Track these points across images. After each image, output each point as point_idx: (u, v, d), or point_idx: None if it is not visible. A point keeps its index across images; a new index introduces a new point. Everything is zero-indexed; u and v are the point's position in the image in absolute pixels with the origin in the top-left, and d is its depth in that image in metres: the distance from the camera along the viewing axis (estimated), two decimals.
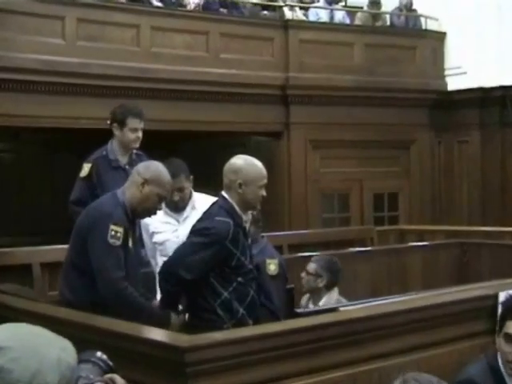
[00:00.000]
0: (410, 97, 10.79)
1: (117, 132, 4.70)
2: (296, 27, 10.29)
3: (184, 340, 2.90)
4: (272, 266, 4.45)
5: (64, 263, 3.90)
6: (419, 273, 7.34)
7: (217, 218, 3.70)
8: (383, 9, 11.62)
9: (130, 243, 3.75)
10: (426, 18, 11.36)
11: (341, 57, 10.50)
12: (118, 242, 3.63)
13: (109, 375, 1.66)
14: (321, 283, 5.06)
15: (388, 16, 11.57)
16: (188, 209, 4.61)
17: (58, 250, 5.77)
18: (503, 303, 3.69)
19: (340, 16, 11.12)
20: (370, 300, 4.39)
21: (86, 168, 4.71)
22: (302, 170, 10.23)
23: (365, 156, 10.60)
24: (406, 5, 11.51)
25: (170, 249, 4.20)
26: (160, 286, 3.87)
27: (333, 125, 10.29)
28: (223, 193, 3.80)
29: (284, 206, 9.95)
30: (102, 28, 8.76)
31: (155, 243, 4.66)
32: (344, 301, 5.12)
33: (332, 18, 11.02)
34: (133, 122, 4.69)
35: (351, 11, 11.58)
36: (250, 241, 3.93)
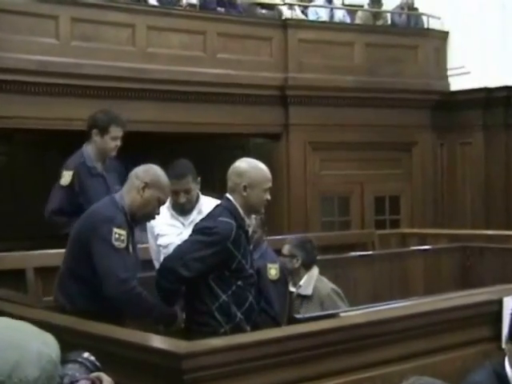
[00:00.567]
0: (411, 97, 10.80)
1: (96, 138, 4.68)
2: (295, 26, 10.30)
3: (181, 346, 2.91)
4: (273, 271, 4.47)
5: (60, 269, 3.90)
6: (421, 277, 7.35)
7: (220, 219, 3.75)
8: (384, 7, 11.63)
9: (130, 248, 3.76)
10: (428, 16, 11.38)
11: (341, 57, 10.52)
12: (123, 245, 3.66)
13: (95, 373, 1.66)
14: (296, 263, 5.16)
15: (389, 15, 11.58)
16: (194, 213, 4.56)
17: (52, 255, 5.77)
18: None
19: (340, 15, 11.13)
20: (371, 305, 4.40)
21: (67, 176, 4.63)
22: (302, 173, 10.24)
23: (365, 158, 10.61)
24: (408, 3, 11.53)
25: None
26: (158, 284, 3.87)
27: (333, 126, 10.30)
28: (227, 195, 3.84)
29: (283, 210, 9.96)
30: (97, 28, 8.77)
31: (160, 246, 4.63)
32: (325, 280, 5.18)
33: (332, 16, 11.03)
34: (115, 131, 4.69)
35: (351, 10, 11.59)
36: (251, 246, 3.95)
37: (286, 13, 10.53)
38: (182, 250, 3.81)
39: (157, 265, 4.68)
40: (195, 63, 9.36)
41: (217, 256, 3.71)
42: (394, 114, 10.68)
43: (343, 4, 12.18)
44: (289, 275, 5.16)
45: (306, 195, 10.24)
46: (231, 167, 3.88)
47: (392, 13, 11.58)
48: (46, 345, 1.48)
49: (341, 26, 10.92)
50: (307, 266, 5.17)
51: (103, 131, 4.66)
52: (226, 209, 3.79)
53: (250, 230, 3.95)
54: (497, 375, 3.20)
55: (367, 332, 3.35)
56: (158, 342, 3.12)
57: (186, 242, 3.85)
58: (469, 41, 10.92)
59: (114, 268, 3.62)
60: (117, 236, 3.63)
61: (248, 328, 3.77)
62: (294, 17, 10.56)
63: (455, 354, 3.67)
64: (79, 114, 8.57)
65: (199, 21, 9.54)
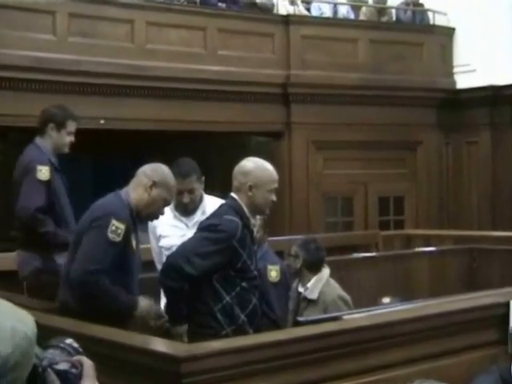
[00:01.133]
0: (416, 96, 10.81)
1: (53, 133, 4.63)
2: (298, 22, 10.31)
3: (181, 349, 2.91)
4: (273, 273, 4.46)
5: (65, 267, 3.90)
6: (426, 280, 7.35)
7: (225, 217, 3.75)
8: (389, 3, 11.64)
9: (134, 244, 3.77)
10: (434, 12, 11.38)
11: (344, 54, 10.52)
12: (118, 239, 3.64)
13: (77, 357, 1.67)
14: (298, 264, 5.14)
15: (394, 11, 11.58)
16: (198, 213, 4.52)
17: None
18: None
19: (344, 11, 11.14)
20: (375, 308, 4.39)
21: (44, 170, 4.52)
22: (304, 172, 10.25)
23: (369, 157, 10.61)
24: None
25: None
26: (162, 283, 3.86)
27: (336, 125, 10.31)
28: (232, 194, 3.85)
29: (285, 210, 9.96)
30: (95, 23, 8.77)
31: (162, 247, 4.60)
32: (334, 285, 5.16)
33: (335, 12, 11.04)
34: (72, 126, 4.68)
35: (355, 6, 11.59)
36: (256, 247, 3.95)
37: (289, 8, 10.53)
38: (186, 247, 3.81)
39: (159, 267, 4.67)
40: (195, 60, 9.37)
41: (222, 254, 3.71)
42: (399, 112, 10.68)
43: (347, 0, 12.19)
44: (295, 276, 5.16)
45: (309, 195, 10.25)
46: (237, 166, 3.88)
47: (397, 9, 11.59)
48: (21, 322, 1.48)
49: (345, 23, 10.93)
50: (310, 267, 5.13)
51: (60, 126, 4.64)
52: (231, 207, 3.80)
53: (255, 231, 3.95)
54: (504, 381, 3.19)
55: (371, 335, 3.35)
56: (156, 344, 3.12)
57: (190, 239, 3.85)
58: (475, 37, 10.92)
59: (93, 254, 3.62)
60: (113, 228, 3.63)
61: (251, 331, 3.76)
62: (297, 13, 10.56)
63: (461, 358, 3.66)
64: (77, 112, 8.48)
65: (199, 16, 9.55)
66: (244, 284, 3.76)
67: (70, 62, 8.45)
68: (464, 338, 3.73)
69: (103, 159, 12.39)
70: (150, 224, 4.47)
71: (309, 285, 5.09)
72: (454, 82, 11.32)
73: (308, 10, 10.91)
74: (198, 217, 4.47)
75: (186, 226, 4.55)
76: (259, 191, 3.79)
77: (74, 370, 1.62)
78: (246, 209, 3.80)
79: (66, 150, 4.72)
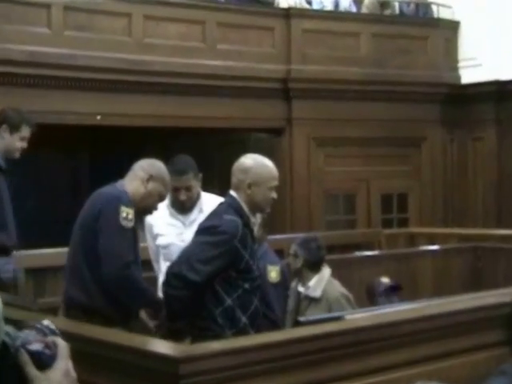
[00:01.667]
0: (420, 91, 10.80)
1: (5, 134, 4.57)
2: (298, 16, 10.30)
3: (179, 350, 2.91)
4: (273, 274, 4.47)
5: (71, 266, 3.93)
6: (430, 279, 7.36)
7: (225, 217, 3.73)
8: None
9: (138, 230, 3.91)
10: (439, 5, 11.38)
11: (347, 48, 10.52)
12: (130, 224, 3.76)
13: (51, 337, 1.66)
14: (299, 263, 5.15)
15: (397, 4, 11.57)
16: (195, 211, 4.53)
17: (44, 255, 5.80)
18: None
19: (346, 4, 11.12)
20: (378, 308, 4.40)
21: None
22: (305, 169, 10.25)
23: (372, 154, 10.62)
24: None
25: (175, 253, 4.16)
26: (166, 295, 3.81)
27: (338, 121, 10.31)
28: (231, 192, 3.84)
29: (285, 208, 9.96)
30: (91, 17, 8.77)
31: (159, 246, 4.61)
32: (336, 283, 5.18)
33: (337, 5, 11.02)
34: (26, 131, 4.63)
35: None
36: (256, 246, 3.95)
37: (290, 1, 10.52)
38: (187, 253, 3.77)
39: (155, 266, 4.68)
40: (194, 54, 9.37)
41: (225, 256, 3.69)
42: (402, 107, 10.69)
43: None
44: (294, 276, 5.18)
45: (310, 193, 10.25)
46: (236, 163, 3.87)
47: (400, 2, 11.58)
48: None
49: (346, 16, 10.92)
50: (311, 266, 5.15)
51: (14, 129, 4.58)
52: (230, 206, 3.78)
53: (255, 230, 3.94)
54: None
55: (373, 335, 3.36)
56: (154, 345, 3.13)
57: (190, 245, 3.83)
58: (481, 31, 10.91)
59: (119, 249, 3.72)
60: (124, 215, 3.72)
61: (253, 333, 3.75)
62: (298, 6, 10.55)
63: (465, 359, 3.67)
64: (72, 108, 8.61)
65: (198, 10, 9.54)
66: (246, 285, 3.75)
67: (65, 57, 8.45)
68: (468, 339, 3.74)
69: (100, 155, 12.41)
70: (147, 223, 4.49)
71: (310, 284, 5.11)
72: (458, 77, 11.32)
73: (309, 3, 10.89)
74: (195, 215, 4.49)
75: (183, 224, 4.55)
76: (259, 189, 3.77)
77: (47, 351, 1.61)
78: (245, 207, 3.78)
79: (17, 155, 4.65)
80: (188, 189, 4.47)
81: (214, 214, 3.84)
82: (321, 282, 5.11)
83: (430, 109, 11.00)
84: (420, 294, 6.54)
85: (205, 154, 9.63)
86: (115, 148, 11.60)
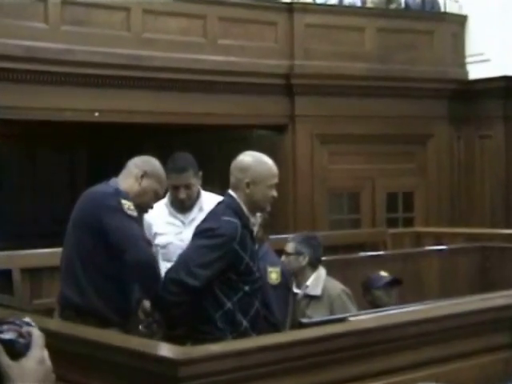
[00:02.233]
0: (426, 87, 10.79)
1: None
2: (302, 10, 10.29)
3: (178, 352, 2.90)
4: (273, 275, 4.45)
5: (67, 265, 3.92)
6: (436, 280, 7.35)
7: (223, 218, 3.71)
8: None
9: None
10: None
11: (351, 43, 10.50)
12: (135, 214, 3.77)
13: (26, 328, 1.67)
14: (303, 261, 5.13)
15: None
16: (195, 210, 4.50)
17: (40, 255, 5.80)
18: None
19: None
20: (382, 309, 4.39)
21: None
22: (308, 167, 10.24)
23: (377, 152, 10.61)
24: None
25: (174, 253, 4.17)
26: (161, 299, 3.78)
27: (342, 117, 10.30)
28: (230, 191, 3.81)
29: (288, 207, 9.96)
30: (89, 11, 8.76)
31: (157, 245, 4.56)
32: (334, 280, 5.20)
33: (341, 0, 11.02)
34: None
35: None
36: (257, 247, 3.93)
37: None
38: (185, 257, 3.75)
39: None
40: (195, 50, 9.36)
41: (223, 259, 3.67)
42: (408, 104, 10.68)
43: None
44: (293, 277, 5.16)
45: (313, 191, 10.24)
46: (234, 161, 3.85)
47: None
48: None
49: (351, 10, 10.90)
50: (314, 264, 5.16)
51: None
52: (228, 207, 3.76)
53: (255, 230, 3.93)
54: None
55: (378, 337, 3.35)
56: (152, 347, 3.12)
57: (188, 249, 3.80)
58: (489, 26, 10.89)
59: (138, 232, 3.77)
60: (127, 206, 3.74)
61: (254, 336, 3.74)
62: (301, 0, 10.54)
63: (472, 362, 3.66)
64: (69, 104, 8.61)
65: (199, 4, 9.53)
66: (247, 288, 3.73)
67: (62, 52, 8.44)
68: (475, 341, 3.73)
69: (98, 152, 12.41)
70: (146, 222, 4.47)
71: (308, 282, 5.12)
72: (466, 73, 11.30)
73: None
74: (195, 214, 4.46)
75: (183, 223, 4.53)
76: (258, 187, 3.75)
77: (21, 340, 1.61)
78: (244, 207, 3.76)
79: None
80: (188, 187, 4.46)
81: (212, 214, 3.81)
82: (319, 280, 5.13)
83: (436, 105, 10.98)
84: (426, 295, 6.53)
85: (205, 152, 9.63)
86: (114, 145, 11.60)
